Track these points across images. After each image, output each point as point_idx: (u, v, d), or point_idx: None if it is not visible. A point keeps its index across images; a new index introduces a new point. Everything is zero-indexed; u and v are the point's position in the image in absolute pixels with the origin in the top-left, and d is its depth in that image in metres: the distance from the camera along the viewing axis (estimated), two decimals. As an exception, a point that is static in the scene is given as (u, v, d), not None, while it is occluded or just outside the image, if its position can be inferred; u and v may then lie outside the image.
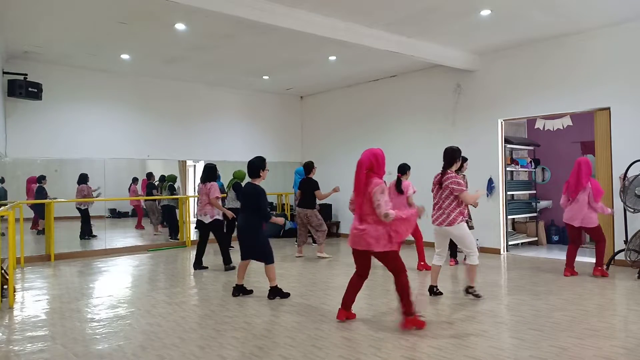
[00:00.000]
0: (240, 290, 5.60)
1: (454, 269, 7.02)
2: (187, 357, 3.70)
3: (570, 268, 6.40)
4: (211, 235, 7.32)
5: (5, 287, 5.48)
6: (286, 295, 5.51)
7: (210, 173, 7.23)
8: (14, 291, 5.57)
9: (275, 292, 5.49)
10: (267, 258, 5.40)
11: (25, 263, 7.95)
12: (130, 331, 4.35)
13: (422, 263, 6.96)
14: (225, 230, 7.75)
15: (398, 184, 6.71)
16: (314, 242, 8.74)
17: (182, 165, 11.93)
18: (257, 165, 5.45)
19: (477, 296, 5.26)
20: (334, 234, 11.16)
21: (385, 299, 5.34)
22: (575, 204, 6.23)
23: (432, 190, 5.29)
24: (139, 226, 11.52)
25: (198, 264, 7.27)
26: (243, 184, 9.12)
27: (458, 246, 5.79)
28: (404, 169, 6.88)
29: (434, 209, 5.23)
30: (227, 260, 7.21)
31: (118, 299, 5.53)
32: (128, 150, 9.69)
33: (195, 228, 7.61)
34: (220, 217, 7.23)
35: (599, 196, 6.14)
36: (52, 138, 8.75)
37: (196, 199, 10.54)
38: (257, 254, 5.43)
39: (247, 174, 5.56)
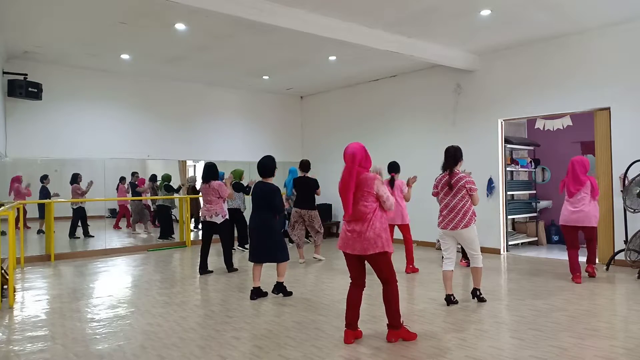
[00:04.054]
0: (258, 294, 5.47)
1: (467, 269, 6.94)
2: (187, 357, 3.70)
3: (579, 273, 6.02)
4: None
5: (5, 287, 5.48)
6: (289, 293, 5.54)
7: (212, 172, 6.94)
8: (14, 291, 5.57)
9: (280, 288, 5.53)
10: (283, 255, 5.44)
11: (25, 263, 7.95)
12: (130, 331, 4.35)
13: (410, 266, 6.84)
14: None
15: (392, 183, 6.69)
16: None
17: (182, 165, 11.94)
18: (272, 165, 5.49)
19: (483, 300, 5.12)
20: (334, 234, 11.17)
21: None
22: (576, 205, 5.98)
23: (438, 193, 5.01)
24: (116, 226, 11.45)
25: (204, 269, 6.91)
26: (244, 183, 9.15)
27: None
28: (398, 168, 6.84)
29: (442, 212, 4.95)
30: (231, 263, 7.08)
31: (118, 299, 5.53)
32: (128, 150, 9.69)
33: (199, 229, 7.29)
34: (228, 217, 7.05)
35: (597, 194, 6.00)
36: (52, 138, 8.75)
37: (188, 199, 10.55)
38: (273, 252, 5.40)
39: (259, 173, 5.54)
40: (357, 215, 3.85)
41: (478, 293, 5.14)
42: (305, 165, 7.67)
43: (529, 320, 4.45)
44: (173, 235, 10.41)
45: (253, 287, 5.50)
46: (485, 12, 6.46)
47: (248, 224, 5.66)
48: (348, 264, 4.03)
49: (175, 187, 10.91)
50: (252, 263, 5.52)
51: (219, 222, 6.88)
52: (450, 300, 5.02)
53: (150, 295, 5.68)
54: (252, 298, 5.42)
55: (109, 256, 8.78)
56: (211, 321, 4.61)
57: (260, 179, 5.59)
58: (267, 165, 5.48)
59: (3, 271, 5.62)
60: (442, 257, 5.10)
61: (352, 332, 3.97)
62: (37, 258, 8.36)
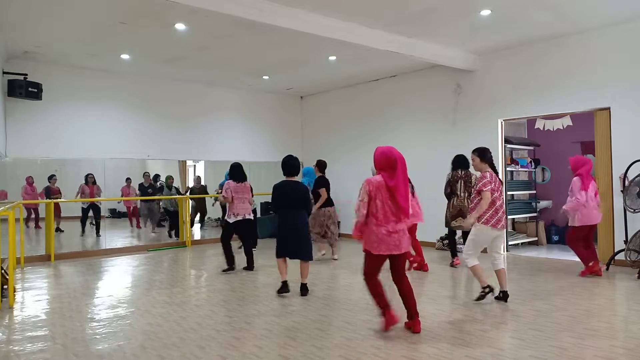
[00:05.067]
0: (287, 287, 5.57)
1: (455, 270, 6.97)
2: (187, 357, 3.70)
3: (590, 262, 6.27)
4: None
5: (5, 287, 5.48)
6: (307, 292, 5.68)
7: (242, 172, 7.16)
8: (14, 291, 5.57)
9: (306, 289, 5.61)
10: (310, 255, 5.57)
11: (25, 263, 7.95)
12: (130, 331, 4.35)
13: (425, 263, 6.84)
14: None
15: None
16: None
17: (182, 165, 11.95)
18: (298, 164, 5.69)
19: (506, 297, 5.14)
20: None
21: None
22: (591, 203, 6.19)
23: (494, 192, 4.90)
24: (138, 225, 11.61)
25: (232, 265, 7.02)
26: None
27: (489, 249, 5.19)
28: None
29: (498, 212, 4.93)
30: (253, 263, 7.18)
31: (118, 299, 5.53)
32: (128, 150, 9.68)
33: (227, 228, 7.12)
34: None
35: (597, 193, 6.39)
36: (52, 138, 8.75)
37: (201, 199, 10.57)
38: (302, 251, 5.50)
39: (285, 173, 5.65)
40: (403, 214, 4.06)
41: (507, 294, 5.12)
42: (323, 166, 8.01)
43: (529, 320, 4.45)
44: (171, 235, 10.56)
45: (283, 281, 5.58)
46: (485, 12, 6.46)
47: (277, 221, 5.73)
48: (377, 264, 4.14)
49: (171, 189, 10.95)
50: (277, 259, 5.63)
51: (253, 218, 7.32)
52: (491, 288, 5.03)
53: (150, 295, 5.68)
54: (283, 292, 5.51)
55: (109, 256, 8.77)
56: (211, 321, 4.61)
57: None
58: (294, 165, 5.64)
59: (3, 271, 5.62)
60: (466, 254, 5.07)
61: (393, 310, 4.12)
62: (37, 258, 8.35)
